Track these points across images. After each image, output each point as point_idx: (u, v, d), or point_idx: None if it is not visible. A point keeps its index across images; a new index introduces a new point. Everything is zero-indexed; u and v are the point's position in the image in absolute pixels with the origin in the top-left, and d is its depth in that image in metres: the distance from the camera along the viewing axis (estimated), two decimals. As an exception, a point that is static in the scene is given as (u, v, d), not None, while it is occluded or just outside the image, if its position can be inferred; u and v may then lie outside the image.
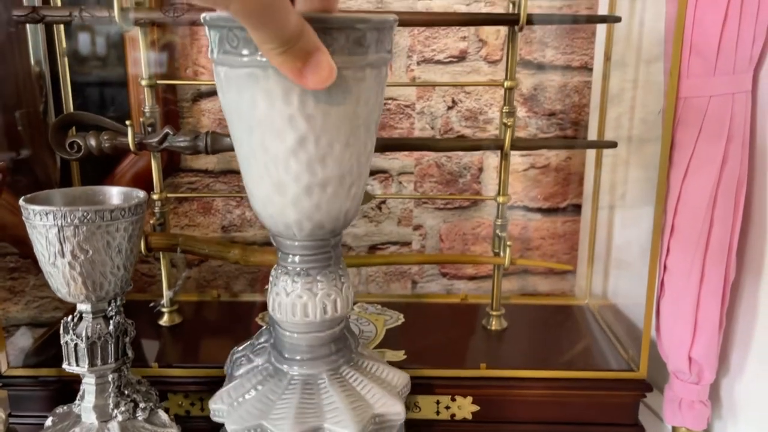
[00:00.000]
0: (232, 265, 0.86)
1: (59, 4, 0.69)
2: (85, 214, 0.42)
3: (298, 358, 0.47)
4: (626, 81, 0.75)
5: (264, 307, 0.74)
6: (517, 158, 0.86)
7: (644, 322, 0.60)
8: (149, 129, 0.64)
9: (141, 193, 0.47)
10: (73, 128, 0.65)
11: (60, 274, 0.44)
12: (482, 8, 0.81)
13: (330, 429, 0.45)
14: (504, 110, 0.65)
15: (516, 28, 0.60)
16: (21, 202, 0.44)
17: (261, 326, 0.69)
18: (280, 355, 0.48)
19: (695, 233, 0.57)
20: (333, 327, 0.47)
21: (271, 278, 0.47)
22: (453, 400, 0.62)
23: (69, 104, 0.72)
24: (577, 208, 0.89)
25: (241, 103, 0.40)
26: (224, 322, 0.75)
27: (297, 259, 0.45)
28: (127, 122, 0.61)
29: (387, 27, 0.41)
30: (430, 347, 0.66)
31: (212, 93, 0.82)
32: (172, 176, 0.83)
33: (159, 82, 0.66)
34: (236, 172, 0.84)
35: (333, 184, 0.42)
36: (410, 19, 0.64)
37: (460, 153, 0.85)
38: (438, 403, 0.62)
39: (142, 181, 0.76)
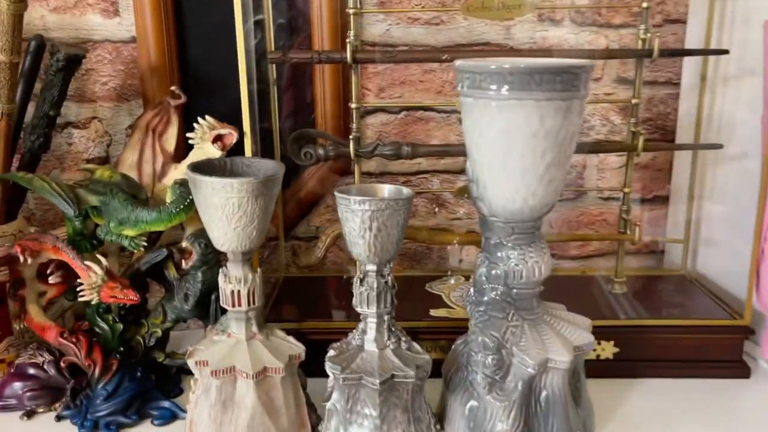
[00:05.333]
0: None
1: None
2: (388, 202, 0.62)
3: (533, 306, 0.66)
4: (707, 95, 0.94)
5: (429, 279, 0.93)
6: (613, 157, 1.06)
7: (749, 280, 0.79)
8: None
9: (408, 190, 0.66)
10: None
11: (365, 243, 0.63)
12: (587, 37, 1.00)
13: (552, 358, 0.63)
14: (631, 121, 0.85)
15: (648, 61, 0.79)
16: (337, 193, 0.63)
17: (431, 293, 0.89)
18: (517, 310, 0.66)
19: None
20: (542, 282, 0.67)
21: (489, 256, 0.64)
22: (599, 344, 0.81)
23: (276, 123, 0.91)
24: (663, 198, 1.08)
25: (486, 123, 0.59)
26: (402, 290, 0.93)
27: (527, 235, 0.63)
28: (350, 136, 0.81)
29: (589, 70, 0.60)
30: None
31: (375, 111, 1.01)
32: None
33: (364, 104, 0.85)
34: (390, 173, 1.03)
35: (558, 176, 0.61)
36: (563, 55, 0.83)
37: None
38: (588, 346, 0.81)
39: (322, 183, 0.96)
